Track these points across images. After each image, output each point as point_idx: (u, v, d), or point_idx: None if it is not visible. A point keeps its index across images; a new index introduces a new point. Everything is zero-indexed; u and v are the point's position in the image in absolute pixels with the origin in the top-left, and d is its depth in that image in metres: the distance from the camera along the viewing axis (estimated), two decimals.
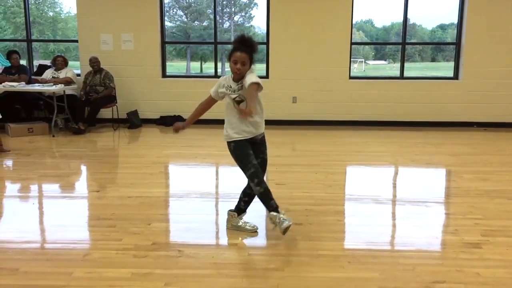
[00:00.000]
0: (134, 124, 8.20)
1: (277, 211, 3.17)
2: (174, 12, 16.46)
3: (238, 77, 3.17)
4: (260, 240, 3.37)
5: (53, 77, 7.94)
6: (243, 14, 17.05)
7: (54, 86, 7.47)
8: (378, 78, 8.98)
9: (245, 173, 3.23)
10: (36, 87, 7.47)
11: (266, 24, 8.36)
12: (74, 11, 8.91)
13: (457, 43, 8.42)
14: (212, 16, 8.91)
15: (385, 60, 18.58)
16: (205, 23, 15.65)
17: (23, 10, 8.82)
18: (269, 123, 8.91)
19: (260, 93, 3.21)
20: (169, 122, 8.36)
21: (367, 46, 18.09)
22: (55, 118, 7.41)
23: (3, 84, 7.43)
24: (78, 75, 8.34)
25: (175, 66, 16.30)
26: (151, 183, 4.85)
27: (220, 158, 5.70)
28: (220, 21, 15.12)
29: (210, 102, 3.38)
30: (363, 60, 17.89)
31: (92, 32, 8.35)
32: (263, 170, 3.37)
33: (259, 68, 8.51)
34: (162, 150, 6.51)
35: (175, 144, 6.87)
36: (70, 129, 7.62)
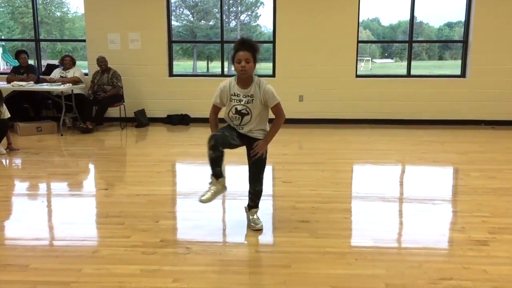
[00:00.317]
0: (141, 123, 8.24)
1: (215, 179, 3.27)
2: (180, 12, 16.51)
3: (244, 77, 3.18)
4: (267, 237, 3.39)
5: (61, 76, 8.00)
6: (249, 13, 17.07)
7: (62, 85, 7.52)
8: (384, 77, 8.96)
9: None
10: (45, 87, 7.53)
11: (272, 23, 8.37)
12: (81, 11, 8.98)
13: (465, 41, 8.39)
14: (218, 15, 8.93)
15: (392, 58, 18.53)
16: (211, 22, 15.68)
17: (31, 10, 8.89)
18: None
19: (278, 97, 3.26)
20: (176, 121, 8.41)
21: (373, 45, 18.07)
22: (63, 117, 7.47)
23: (12, 83, 7.50)
24: (86, 74, 8.39)
25: (182, 65, 16.34)
26: (159, 181, 4.88)
27: (227, 157, 5.70)
28: (227, 20, 15.15)
29: (216, 111, 3.36)
30: (370, 58, 17.86)
31: (99, 31, 8.40)
32: (259, 169, 3.38)
33: (265, 67, 8.53)
34: (169, 149, 6.55)
35: (182, 142, 6.91)
36: (78, 128, 7.67)
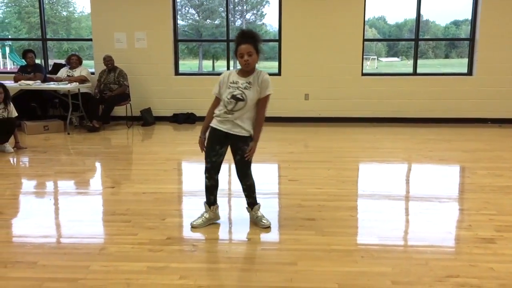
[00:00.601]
0: (147, 121, 8.27)
1: (208, 207, 3.48)
2: (186, 11, 16.54)
3: (248, 69, 3.18)
4: (273, 235, 3.39)
5: (68, 75, 8.04)
6: (254, 12, 17.08)
7: (69, 84, 7.56)
8: (390, 75, 8.94)
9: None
10: (51, 86, 7.57)
11: (278, 21, 8.37)
12: (87, 10, 9.02)
13: (471, 39, 8.36)
14: (224, 14, 8.94)
15: (398, 57, 18.48)
16: (217, 21, 15.70)
17: (37, 10, 8.94)
18: (281, 120, 8.92)
19: (272, 90, 3.24)
20: (181, 119, 8.43)
21: (379, 43, 18.01)
22: (70, 116, 7.51)
23: (19, 82, 7.55)
24: (93, 73, 8.43)
25: (188, 64, 16.36)
26: (165, 179, 4.90)
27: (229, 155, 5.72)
28: (232, 19, 15.17)
29: (216, 104, 3.36)
30: (376, 57, 17.81)
31: (106, 30, 8.43)
32: (245, 166, 3.37)
33: (271, 66, 8.54)
34: (175, 147, 6.57)
35: (188, 141, 6.92)
36: (84, 127, 7.72)
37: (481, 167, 5.32)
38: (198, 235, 3.35)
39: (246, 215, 3.63)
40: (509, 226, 3.48)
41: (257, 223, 3.48)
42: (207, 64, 18.11)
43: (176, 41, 8.63)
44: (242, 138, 3.28)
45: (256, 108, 3.27)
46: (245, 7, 16.44)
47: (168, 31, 8.44)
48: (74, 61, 8.14)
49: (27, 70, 8.05)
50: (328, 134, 7.49)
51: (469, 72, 8.42)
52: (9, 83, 7.32)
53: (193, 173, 5.40)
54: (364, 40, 8.34)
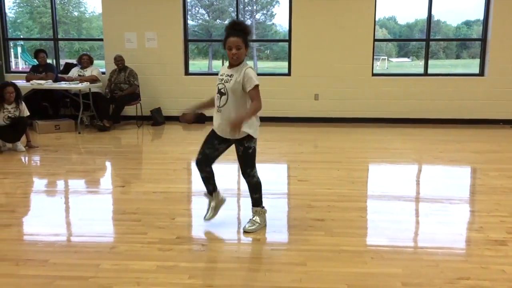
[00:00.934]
0: (157, 121, 8.30)
1: (210, 195, 3.48)
2: (196, 11, 16.55)
3: (236, 63, 3.14)
4: (282, 235, 3.39)
5: (79, 75, 8.09)
6: (264, 12, 17.05)
7: (80, 84, 7.61)
8: (401, 75, 8.88)
9: None
10: (63, 85, 7.63)
11: (288, 21, 8.35)
12: (98, 10, 9.07)
13: (483, 39, 8.29)
14: (234, 15, 8.95)
15: (409, 57, 18.35)
16: (227, 22, 15.70)
17: (49, 10, 9.01)
18: (291, 120, 8.90)
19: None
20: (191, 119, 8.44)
21: (390, 43, 17.90)
22: (81, 116, 7.56)
23: (31, 82, 7.61)
24: (103, 73, 8.48)
25: (197, 64, 16.39)
26: (175, 179, 4.92)
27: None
28: (242, 19, 15.16)
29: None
30: (386, 57, 17.70)
31: (116, 30, 8.48)
32: (242, 164, 3.31)
33: (281, 65, 8.53)
34: (185, 147, 6.58)
35: (198, 141, 6.87)
36: (95, 126, 7.76)
37: (492, 168, 5.27)
38: (207, 235, 3.36)
39: None
40: None
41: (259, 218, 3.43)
42: (217, 64, 18.12)
43: (186, 41, 8.65)
44: (239, 140, 3.24)
45: (244, 98, 3.16)
46: (255, 7, 16.42)
47: (178, 31, 8.47)
48: (85, 61, 8.19)
49: (38, 70, 8.11)
50: (338, 134, 7.47)
51: (481, 73, 8.35)
52: (21, 83, 7.39)
53: None
54: (375, 40, 8.30)
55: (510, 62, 8.03)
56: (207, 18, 17.23)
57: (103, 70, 8.59)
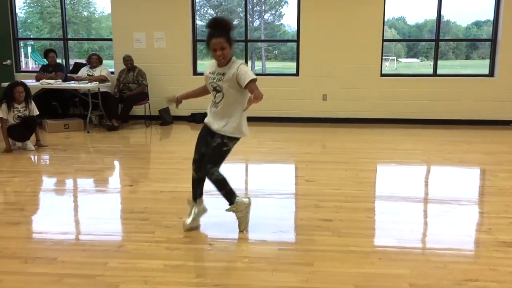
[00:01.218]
0: (165, 121, 8.33)
1: (194, 201, 3.44)
2: (205, 11, 16.59)
3: (224, 63, 3.12)
4: (289, 235, 3.39)
5: (88, 75, 8.14)
6: (273, 12, 17.04)
7: (89, 83, 7.65)
8: (410, 76, 8.84)
9: None
10: (72, 85, 7.68)
11: (296, 22, 8.34)
12: (107, 11, 9.11)
13: (493, 40, 8.22)
14: (242, 15, 8.96)
15: (418, 58, 18.27)
16: (235, 22, 15.72)
17: (59, 10, 9.08)
18: (299, 120, 8.88)
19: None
20: (199, 119, 8.45)
21: (399, 44, 17.83)
22: (89, 115, 7.60)
23: (40, 81, 7.66)
24: (112, 73, 8.52)
25: (206, 64, 16.42)
26: (183, 178, 4.91)
27: (250, 155, 5.73)
28: (251, 19, 15.16)
29: (203, 89, 3.49)
30: (395, 58, 17.63)
31: (125, 30, 8.52)
32: (208, 155, 3.31)
33: (289, 66, 8.52)
34: (193, 147, 6.56)
35: None
36: (104, 126, 7.80)
37: (502, 169, 5.23)
38: (214, 234, 3.36)
39: (263, 215, 3.64)
40: None
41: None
42: None
43: (195, 41, 8.67)
44: (221, 135, 3.21)
45: (239, 95, 3.16)
46: (263, 7, 16.43)
47: (187, 31, 8.49)
48: (95, 61, 8.24)
49: (48, 70, 8.17)
50: (346, 135, 7.45)
51: (491, 73, 8.29)
52: (31, 82, 7.44)
53: None
54: (384, 40, 8.27)
55: None
56: None
57: (112, 70, 8.63)
